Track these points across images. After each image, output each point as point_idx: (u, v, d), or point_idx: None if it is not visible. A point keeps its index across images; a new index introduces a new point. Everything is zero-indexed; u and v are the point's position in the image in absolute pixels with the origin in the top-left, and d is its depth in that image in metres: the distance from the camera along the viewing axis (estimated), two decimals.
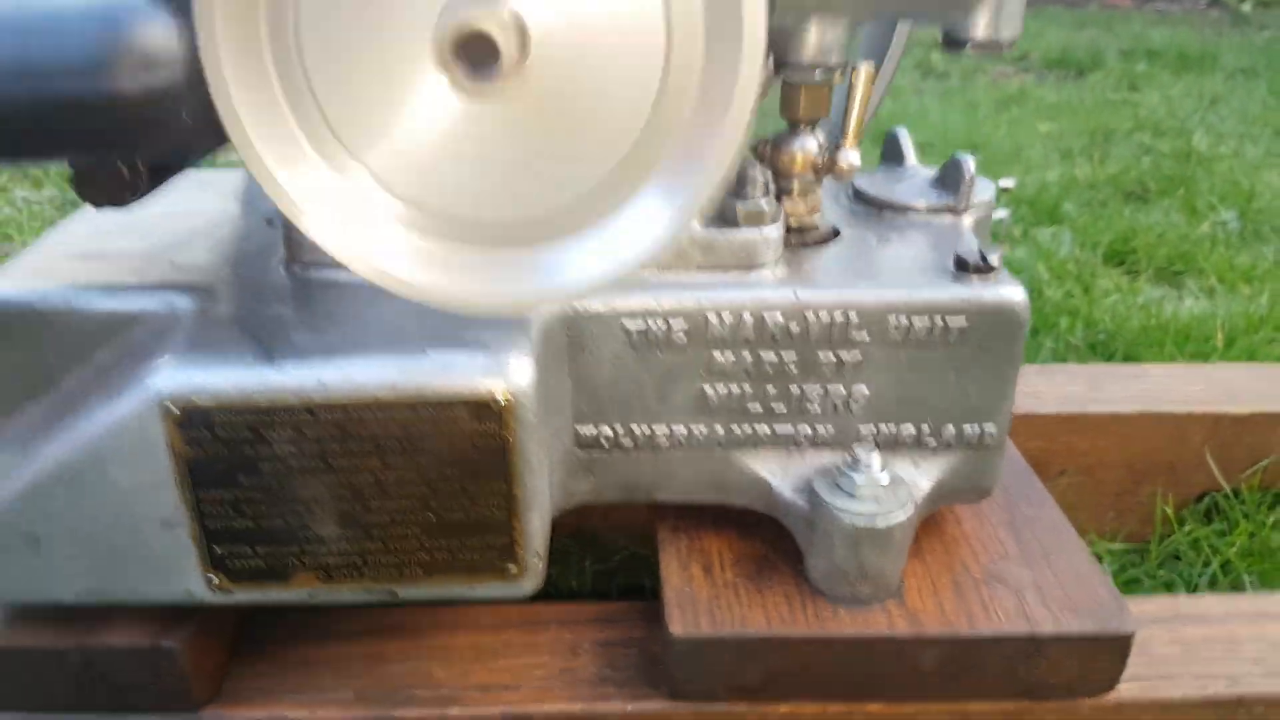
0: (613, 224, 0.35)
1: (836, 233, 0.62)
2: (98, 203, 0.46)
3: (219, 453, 0.47)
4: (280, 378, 0.46)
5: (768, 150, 0.60)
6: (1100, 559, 0.90)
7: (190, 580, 0.51)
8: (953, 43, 0.56)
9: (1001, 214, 2.02)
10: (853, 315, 0.54)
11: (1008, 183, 2.07)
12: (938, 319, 0.54)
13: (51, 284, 0.54)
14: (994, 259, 0.55)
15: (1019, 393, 0.87)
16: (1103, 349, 1.34)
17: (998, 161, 2.51)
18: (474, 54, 0.30)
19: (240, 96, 0.31)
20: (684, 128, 0.34)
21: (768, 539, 0.60)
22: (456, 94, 0.31)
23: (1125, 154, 2.57)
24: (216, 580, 0.51)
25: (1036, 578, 0.59)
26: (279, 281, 0.54)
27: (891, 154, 0.71)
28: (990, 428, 0.58)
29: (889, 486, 0.55)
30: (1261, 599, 0.67)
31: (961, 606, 0.56)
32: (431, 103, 0.31)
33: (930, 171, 0.68)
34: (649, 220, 0.34)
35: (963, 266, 0.55)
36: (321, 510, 0.49)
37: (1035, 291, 1.52)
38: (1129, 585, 0.87)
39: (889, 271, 0.56)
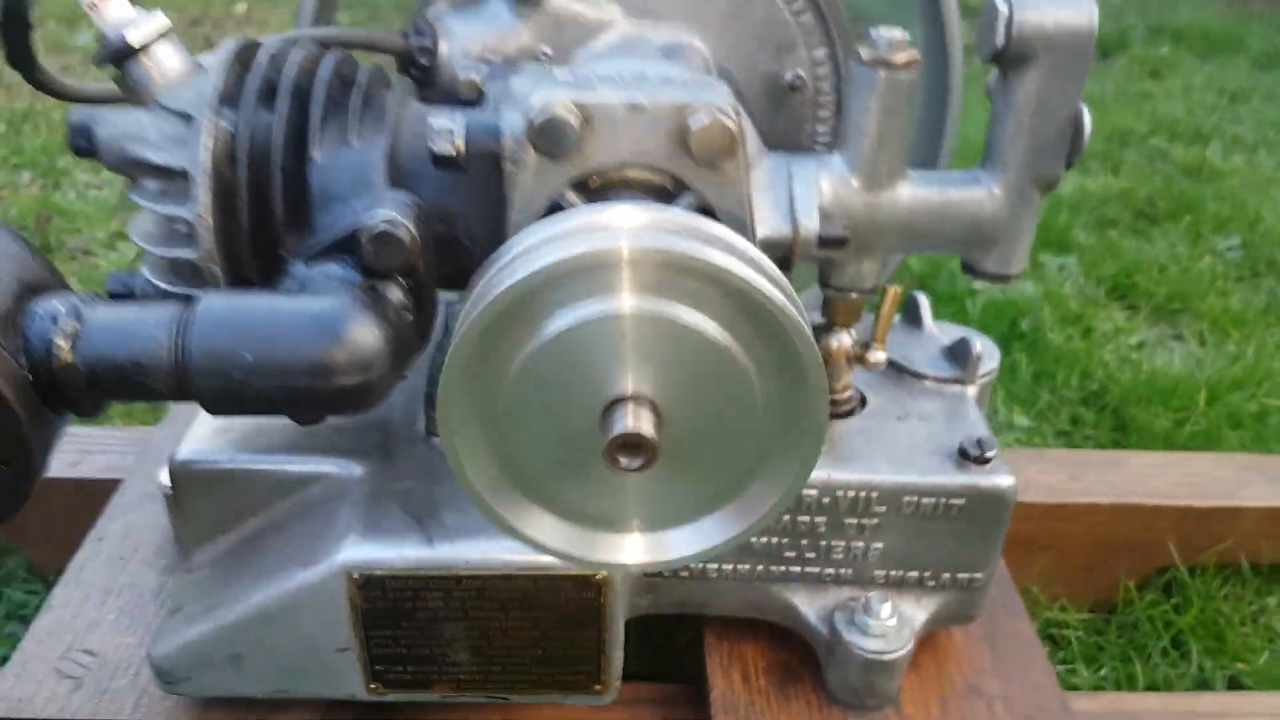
0: (718, 517, 0.49)
1: (864, 401, 0.76)
2: (302, 424, 0.60)
3: (386, 605, 0.62)
4: (436, 555, 0.61)
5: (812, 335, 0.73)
6: (1068, 625, 1.05)
7: (355, 687, 0.66)
8: (969, 270, 0.69)
9: None
10: (874, 494, 0.69)
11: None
12: (942, 499, 0.68)
13: (237, 446, 0.68)
14: (990, 453, 0.69)
15: None
16: (1095, 401, 1.48)
17: None
18: (627, 449, 0.43)
19: (475, 477, 0.45)
20: (773, 462, 0.48)
21: (793, 648, 0.75)
22: (616, 471, 0.44)
23: (1139, 162, 2.65)
24: (375, 687, 0.66)
25: (1006, 689, 0.74)
26: (424, 453, 0.68)
27: (911, 316, 0.84)
28: (978, 575, 0.72)
29: (895, 626, 0.70)
30: (1190, 698, 0.82)
31: (944, 716, 0.71)
32: (597, 477, 0.45)
33: (944, 338, 0.81)
34: (745, 513, 0.49)
35: (965, 456, 0.69)
36: (458, 644, 0.64)
37: (1039, 335, 1.64)
38: (1093, 650, 1.03)
39: (905, 454, 0.70)
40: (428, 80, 0.73)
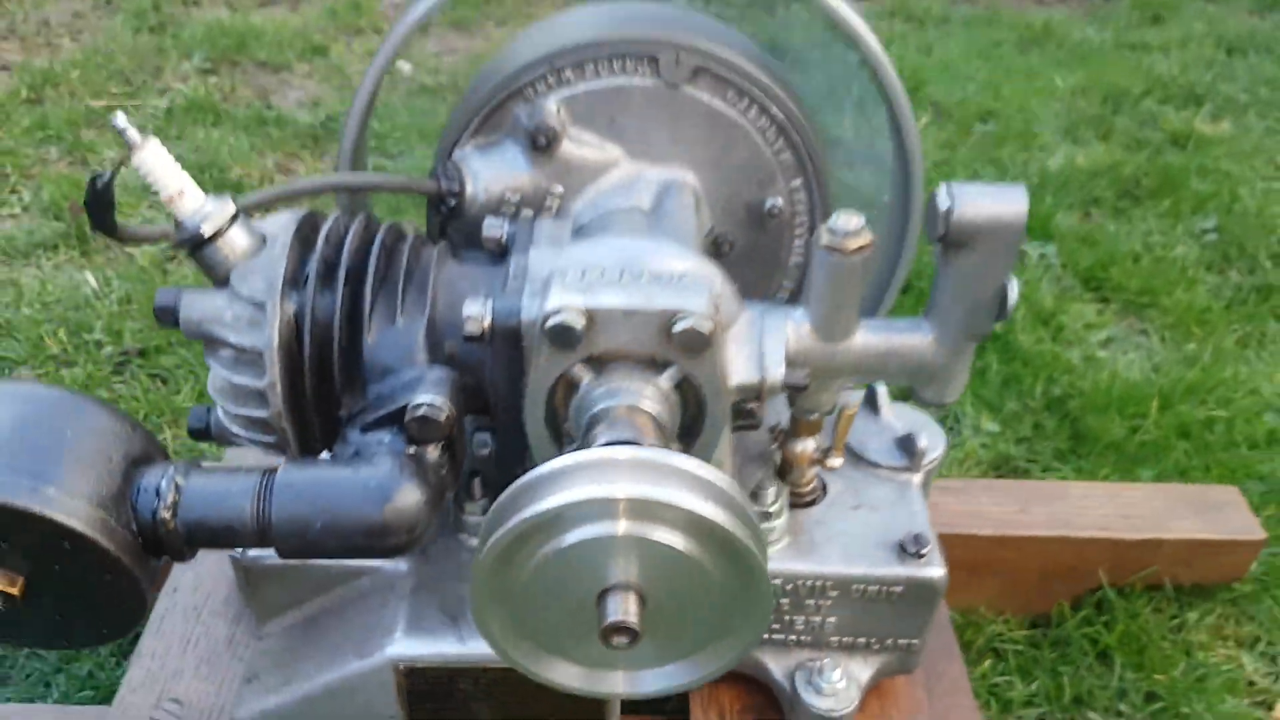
0: (684, 664, 0.63)
1: (825, 489, 0.89)
2: None
3: (426, 687, 0.77)
4: (466, 651, 0.75)
5: (782, 437, 0.86)
6: (1009, 640, 1.20)
7: None
8: (914, 395, 0.81)
9: None
10: (828, 582, 0.82)
11: None
12: (884, 587, 0.82)
13: None
14: (925, 549, 0.82)
15: (964, 512, 1.16)
16: (1056, 408, 1.60)
17: (1009, 137, 2.64)
18: (618, 633, 0.56)
19: (502, 640, 0.59)
20: (728, 632, 0.61)
21: (764, 693, 0.90)
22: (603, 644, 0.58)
23: (1130, 128, 2.70)
24: None
25: None
26: (454, 547, 0.81)
27: (871, 404, 0.96)
28: (915, 641, 0.86)
29: (844, 687, 0.84)
30: None
31: None
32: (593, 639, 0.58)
33: (898, 424, 0.94)
34: (705, 663, 0.63)
35: (904, 551, 0.82)
36: (484, 714, 0.79)
37: (1011, 337, 1.75)
38: (1029, 664, 1.18)
39: (855, 547, 0.83)
40: (456, 214, 0.84)
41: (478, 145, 0.84)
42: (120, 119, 0.67)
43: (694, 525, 0.56)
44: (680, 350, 0.68)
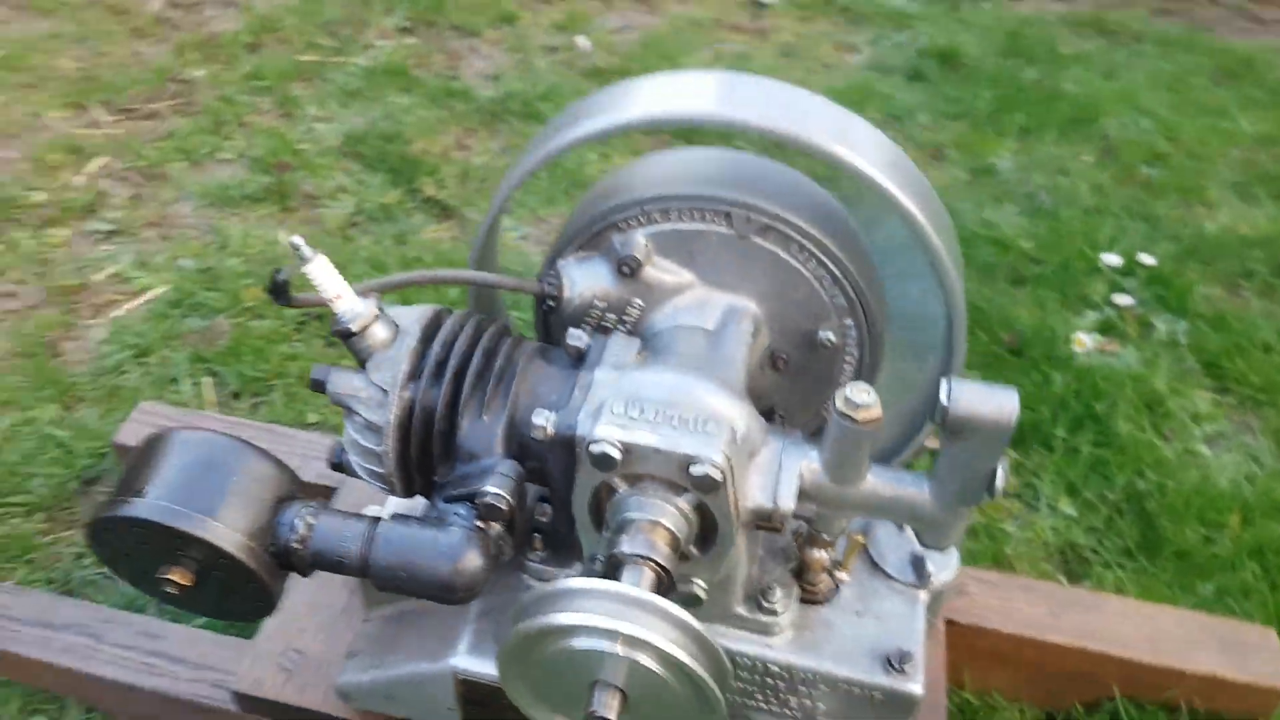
0: None
1: (837, 588, 1.02)
2: None
3: (478, 692, 0.97)
4: None
5: (802, 541, 1.00)
6: None
7: None
8: (916, 533, 0.94)
9: (1128, 301, 2.19)
10: (819, 679, 0.97)
11: (1149, 260, 2.27)
12: (868, 691, 0.96)
13: None
14: (907, 666, 0.95)
15: (997, 608, 1.26)
16: (1134, 504, 1.64)
17: (1173, 187, 2.56)
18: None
19: (525, 702, 0.78)
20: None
21: None
22: None
23: None
24: None
25: None
26: (515, 582, 1.00)
27: None
28: None
29: None
30: None
31: None
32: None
33: (919, 543, 1.05)
34: None
35: (889, 665, 0.95)
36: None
37: (1111, 420, 1.78)
38: None
39: (850, 651, 0.97)
40: (555, 310, 1.01)
41: (577, 258, 1.00)
42: (296, 239, 0.87)
43: (673, 662, 0.72)
44: (695, 488, 0.83)
